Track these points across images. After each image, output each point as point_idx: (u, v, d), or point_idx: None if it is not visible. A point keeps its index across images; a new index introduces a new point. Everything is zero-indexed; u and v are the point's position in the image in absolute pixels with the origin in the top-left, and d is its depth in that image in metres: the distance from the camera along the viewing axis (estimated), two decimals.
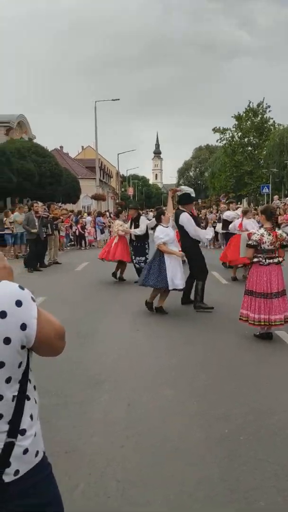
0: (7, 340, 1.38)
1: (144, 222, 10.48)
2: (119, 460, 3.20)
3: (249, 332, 6.14)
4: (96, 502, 2.74)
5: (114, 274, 11.05)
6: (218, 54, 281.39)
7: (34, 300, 1.46)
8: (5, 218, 16.19)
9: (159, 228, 7.40)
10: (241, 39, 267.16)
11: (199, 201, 48.30)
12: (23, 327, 1.41)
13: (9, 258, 16.04)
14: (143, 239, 10.43)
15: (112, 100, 37.26)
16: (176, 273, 7.21)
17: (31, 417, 1.49)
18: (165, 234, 7.22)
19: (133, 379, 4.75)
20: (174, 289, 7.32)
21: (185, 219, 7.60)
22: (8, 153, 22.92)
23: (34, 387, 1.55)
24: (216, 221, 20.19)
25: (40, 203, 14.92)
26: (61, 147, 54.53)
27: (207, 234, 8.04)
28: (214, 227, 19.56)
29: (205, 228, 20.73)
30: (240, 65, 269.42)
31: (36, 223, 13.07)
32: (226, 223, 11.83)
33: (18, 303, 1.41)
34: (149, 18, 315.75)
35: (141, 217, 10.73)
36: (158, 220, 7.55)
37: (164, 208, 8.13)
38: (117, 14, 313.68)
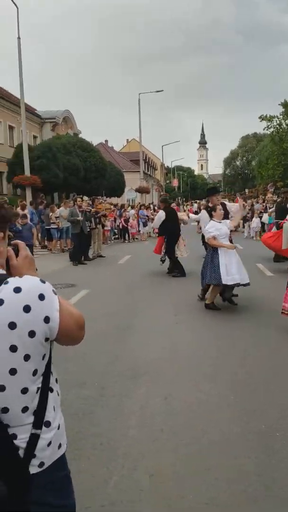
0: (32, 334, 1.42)
1: (157, 217, 11.26)
2: (154, 453, 3.22)
3: None
4: (129, 494, 2.76)
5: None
6: (264, 40, 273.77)
7: (55, 293, 1.50)
8: (51, 213, 16.60)
9: (210, 222, 7.38)
10: (287, 24, 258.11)
11: (246, 190, 47.32)
12: (47, 320, 1.44)
13: (55, 252, 16.45)
14: (164, 233, 10.97)
15: (156, 91, 37.09)
16: (231, 267, 7.04)
17: (54, 408, 1.53)
18: (214, 229, 7.15)
19: (171, 372, 4.76)
20: (238, 285, 7.13)
21: (204, 215, 7.98)
22: (54, 149, 23.42)
23: (56, 379, 1.59)
24: (262, 211, 19.71)
25: (85, 197, 15.18)
26: (106, 141, 55.14)
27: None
28: (261, 217, 19.11)
29: (250, 218, 20.37)
30: (286, 50, 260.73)
31: (80, 217, 13.32)
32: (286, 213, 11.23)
33: (41, 297, 1.44)
34: (191, 6, 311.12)
35: (160, 211, 11.29)
36: (211, 216, 7.56)
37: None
38: (159, 4, 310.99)
